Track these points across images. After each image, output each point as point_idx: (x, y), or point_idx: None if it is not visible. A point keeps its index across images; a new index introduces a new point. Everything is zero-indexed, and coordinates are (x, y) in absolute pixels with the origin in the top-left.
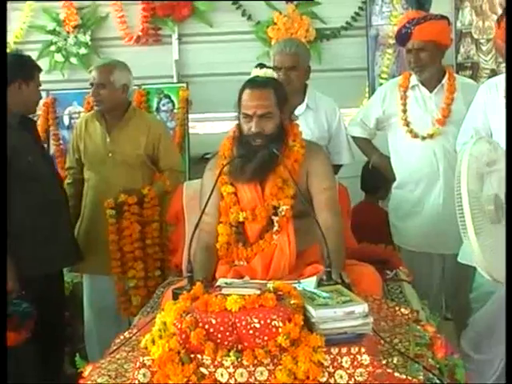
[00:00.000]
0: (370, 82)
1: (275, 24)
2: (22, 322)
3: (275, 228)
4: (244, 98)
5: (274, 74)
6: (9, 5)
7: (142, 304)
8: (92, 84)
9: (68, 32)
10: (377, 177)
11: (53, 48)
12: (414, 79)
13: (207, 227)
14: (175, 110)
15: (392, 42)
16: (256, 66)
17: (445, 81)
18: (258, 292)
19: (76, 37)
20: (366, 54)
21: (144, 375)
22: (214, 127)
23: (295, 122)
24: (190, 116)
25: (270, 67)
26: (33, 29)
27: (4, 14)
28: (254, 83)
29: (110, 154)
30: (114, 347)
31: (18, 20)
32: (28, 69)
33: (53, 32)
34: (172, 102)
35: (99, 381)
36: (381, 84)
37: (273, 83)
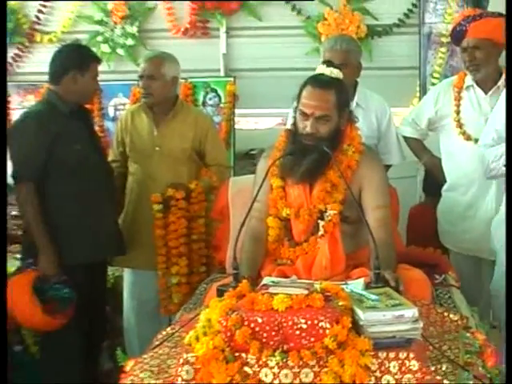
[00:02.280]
0: (422, 81)
1: (326, 20)
2: (61, 307)
3: (320, 232)
4: (304, 94)
5: (341, 75)
6: None
7: (183, 302)
8: (142, 76)
9: (115, 23)
10: (439, 179)
11: (100, 38)
12: (469, 80)
13: (258, 214)
14: (221, 105)
15: (445, 40)
16: (323, 63)
17: (501, 82)
18: (306, 292)
19: (123, 28)
20: (418, 53)
21: (187, 372)
22: (258, 123)
23: (355, 124)
24: (236, 111)
25: (337, 66)
26: (80, 19)
27: (4, 13)
28: (317, 81)
29: (157, 148)
30: (157, 343)
31: (65, 9)
32: (83, 59)
33: (100, 22)
34: (218, 96)
35: (141, 376)
36: (432, 84)
37: (336, 84)
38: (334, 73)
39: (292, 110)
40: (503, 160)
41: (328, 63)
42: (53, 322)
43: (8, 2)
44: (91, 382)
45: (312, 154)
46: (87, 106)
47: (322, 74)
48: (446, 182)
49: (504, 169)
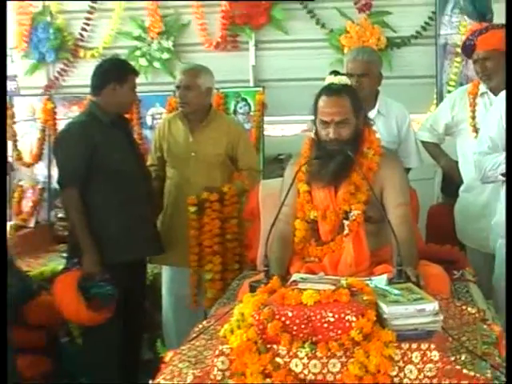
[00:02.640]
0: (439, 88)
1: (348, 32)
2: (103, 303)
3: (345, 231)
4: (321, 104)
5: (349, 81)
6: (97, 13)
7: (217, 297)
8: (178, 86)
9: (152, 38)
10: (456, 181)
11: (138, 53)
12: (482, 87)
13: (285, 218)
14: (251, 113)
15: (460, 50)
16: (330, 73)
17: None
18: (333, 288)
19: (159, 42)
20: (435, 62)
21: (223, 363)
22: (285, 129)
23: (372, 127)
24: (265, 119)
25: (343, 74)
26: (120, 35)
27: (4, 13)
28: (330, 90)
29: (193, 154)
30: (194, 335)
31: (106, 27)
32: (122, 72)
33: (138, 38)
34: (248, 105)
35: (180, 366)
36: (449, 91)
37: (348, 90)
38: (343, 80)
39: (311, 122)
40: (501, 169)
41: (335, 73)
42: (96, 317)
43: (54, 22)
44: (132, 371)
45: (336, 159)
46: (126, 115)
47: (333, 83)
48: (462, 183)
49: (500, 176)
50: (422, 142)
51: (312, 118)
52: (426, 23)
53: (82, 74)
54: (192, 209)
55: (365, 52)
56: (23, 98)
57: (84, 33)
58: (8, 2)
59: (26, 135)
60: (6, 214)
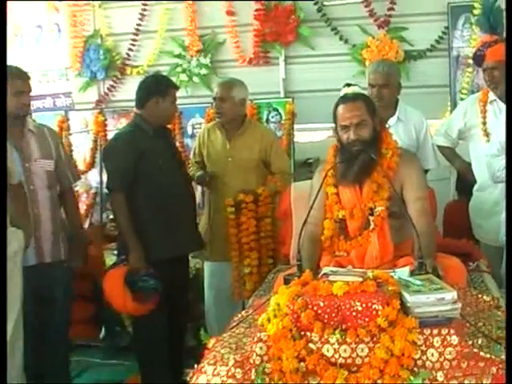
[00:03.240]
0: (452, 96)
1: (369, 47)
2: (147, 295)
3: (371, 226)
4: (339, 111)
5: (361, 90)
6: (142, 35)
7: (254, 289)
8: (215, 98)
9: (191, 56)
10: (470, 181)
11: (179, 69)
12: (492, 95)
13: (314, 220)
14: (282, 121)
15: (471, 62)
16: (344, 86)
17: None
18: (360, 279)
19: (198, 60)
20: (448, 73)
21: (261, 348)
22: (313, 136)
23: (388, 130)
24: (294, 126)
25: (355, 85)
26: (163, 54)
27: (4, 13)
28: (345, 99)
29: (230, 159)
30: (234, 324)
31: (150, 47)
32: (163, 86)
33: (179, 56)
34: (279, 114)
35: (222, 352)
36: (461, 99)
37: (361, 96)
38: (355, 89)
39: (333, 132)
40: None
41: (347, 85)
42: (141, 308)
43: (104, 44)
44: (178, 356)
45: (359, 159)
46: (169, 126)
47: (347, 93)
48: (475, 182)
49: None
50: (438, 146)
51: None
52: (439, 37)
53: (128, 90)
54: (230, 209)
55: (385, 64)
56: (77, 112)
57: (130, 52)
58: (62, 26)
59: (80, 145)
60: (6, 214)
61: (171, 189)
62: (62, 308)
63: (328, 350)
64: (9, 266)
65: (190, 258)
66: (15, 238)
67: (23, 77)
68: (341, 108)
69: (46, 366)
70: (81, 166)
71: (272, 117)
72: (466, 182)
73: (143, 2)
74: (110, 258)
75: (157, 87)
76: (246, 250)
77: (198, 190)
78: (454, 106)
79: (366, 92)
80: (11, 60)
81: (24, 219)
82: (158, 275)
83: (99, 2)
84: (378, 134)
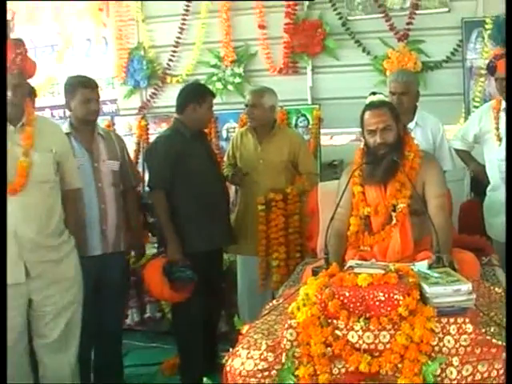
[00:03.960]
0: (466, 104)
1: (389, 58)
2: (183, 285)
3: (393, 222)
4: (366, 117)
5: (385, 98)
6: (181, 47)
7: (282, 280)
8: (247, 105)
9: (226, 66)
10: (484, 182)
11: (214, 78)
12: (504, 103)
13: (340, 217)
14: (310, 126)
15: (483, 72)
16: (370, 94)
17: None
18: (383, 272)
19: (232, 69)
20: (462, 82)
21: (291, 334)
22: (338, 140)
23: (410, 134)
24: (321, 131)
25: (381, 93)
26: (200, 64)
27: (4, 13)
28: (371, 106)
29: (261, 161)
30: (266, 312)
31: (188, 57)
32: (201, 94)
33: (215, 66)
34: (307, 119)
35: (255, 337)
36: (475, 106)
37: (386, 103)
38: (380, 97)
39: (360, 134)
40: None
41: (373, 93)
42: (177, 296)
43: (147, 55)
44: (212, 340)
45: (384, 162)
46: (205, 130)
47: (372, 101)
48: (489, 183)
49: None
50: (455, 149)
51: (359, 129)
52: (454, 50)
53: (169, 97)
54: (261, 207)
55: (404, 74)
56: (122, 117)
57: (170, 63)
58: (109, 40)
59: None
60: (6, 214)
61: (207, 187)
62: (121, 295)
63: (353, 337)
64: (68, 260)
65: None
66: (71, 240)
67: (91, 85)
68: (367, 114)
69: (102, 352)
70: None
71: (300, 122)
72: (480, 183)
73: (182, 17)
74: (150, 251)
75: (195, 94)
76: (275, 244)
77: (232, 188)
78: (468, 112)
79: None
80: (64, 70)
81: (74, 223)
82: (194, 266)
83: (143, 17)
84: (402, 138)
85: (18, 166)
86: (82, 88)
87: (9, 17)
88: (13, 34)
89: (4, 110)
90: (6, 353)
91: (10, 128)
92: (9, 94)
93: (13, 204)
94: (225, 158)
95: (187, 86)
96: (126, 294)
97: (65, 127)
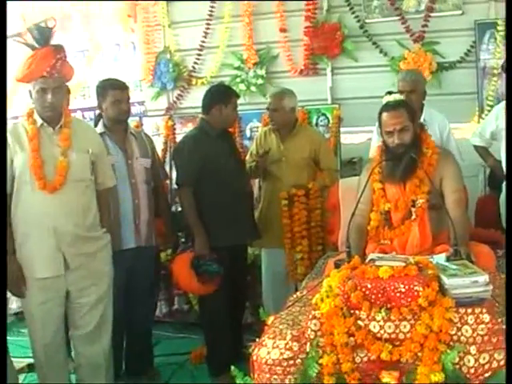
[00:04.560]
0: (479, 103)
1: (405, 59)
2: (210, 278)
3: (413, 216)
4: (383, 119)
5: (400, 97)
6: (205, 50)
7: (306, 272)
8: (268, 108)
9: (249, 68)
10: (500, 177)
11: (238, 80)
12: None
13: (361, 212)
14: (330, 125)
15: (496, 72)
16: (386, 94)
17: None
18: (403, 264)
19: (255, 71)
20: (476, 82)
21: (315, 325)
22: (356, 138)
23: (426, 131)
24: (341, 129)
25: (396, 92)
26: (224, 66)
27: (4, 13)
28: (388, 106)
29: (283, 158)
30: (290, 303)
31: (213, 60)
32: (227, 95)
33: (238, 68)
34: (327, 118)
35: (280, 327)
36: (488, 105)
37: (403, 103)
38: (397, 97)
39: (377, 134)
40: None
41: (389, 93)
42: (204, 289)
43: (173, 58)
44: (237, 331)
45: (404, 160)
46: (230, 129)
47: (389, 101)
48: (505, 178)
49: None
50: (474, 146)
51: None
52: (468, 50)
53: (194, 98)
54: (284, 202)
55: (411, 73)
56: (150, 118)
57: (196, 66)
58: (136, 44)
59: None
60: (6, 214)
61: (232, 184)
62: (153, 287)
63: (374, 327)
64: (102, 254)
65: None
66: (106, 234)
67: (121, 87)
68: (385, 115)
69: (133, 342)
70: None
71: (321, 121)
72: (496, 178)
73: (206, 21)
74: (180, 246)
75: (221, 95)
76: (298, 238)
77: (256, 185)
78: (481, 111)
79: None
80: (94, 74)
81: (108, 220)
82: (220, 260)
83: (169, 22)
84: (419, 136)
85: (58, 165)
86: (113, 90)
87: (50, 25)
88: (52, 41)
89: (4, 110)
90: (5, 352)
91: (48, 129)
92: (49, 96)
93: (51, 201)
94: (247, 157)
95: (213, 88)
96: (156, 286)
97: (99, 128)
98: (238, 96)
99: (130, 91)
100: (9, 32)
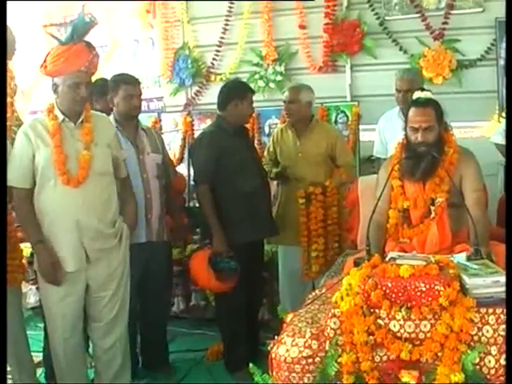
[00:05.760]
0: (500, 101)
1: (425, 56)
2: (228, 275)
3: (432, 215)
4: (411, 114)
5: (430, 95)
6: (224, 46)
7: (320, 270)
8: (285, 101)
9: (268, 64)
10: None
11: (257, 76)
12: None
13: (380, 210)
14: (349, 122)
15: None
16: (418, 89)
17: None
18: (424, 263)
19: (274, 68)
20: (496, 80)
21: (334, 323)
22: (373, 135)
23: (450, 131)
24: (360, 127)
25: (429, 90)
26: (242, 62)
27: (4, 13)
28: (418, 103)
29: (300, 155)
30: (309, 301)
31: (231, 56)
32: (242, 91)
33: (257, 64)
34: (346, 116)
35: (299, 325)
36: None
37: (432, 102)
38: (428, 95)
39: (402, 128)
40: None
41: (421, 89)
42: (222, 286)
43: (191, 54)
44: (254, 328)
45: (425, 159)
46: (247, 125)
47: (419, 98)
48: None
49: None
50: (495, 144)
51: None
52: (488, 48)
53: (213, 94)
54: (301, 200)
55: (408, 72)
56: (168, 114)
57: (214, 62)
58: (155, 40)
59: (171, 143)
60: (6, 214)
61: (249, 181)
62: (167, 283)
63: (394, 326)
64: (121, 248)
65: (266, 242)
66: (124, 228)
67: (133, 82)
68: (412, 111)
69: (148, 337)
70: None
71: (340, 118)
72: None
73: (226, 17)
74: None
75: (236, 91)
76: (315, 236)
77: (273, 182)
78: (502, 109)
79: (394, 97)
80: (112, 69)
81: (129, 208)
82: (237, 257)
83: (187, 18)
84: (442, 137)
85: (81, 159)
86: (125, 84)
87: (88, 20)
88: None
89: (4, 110)
90: (5, 353)
91: (70, 124)
92: (83, 91)
93: (74, 196)
94: (265, 154)
95: (227, 84)
96: (170, 282)
97: None
98: (253, 91)
99: (145, 87)
100: (32, 27)
